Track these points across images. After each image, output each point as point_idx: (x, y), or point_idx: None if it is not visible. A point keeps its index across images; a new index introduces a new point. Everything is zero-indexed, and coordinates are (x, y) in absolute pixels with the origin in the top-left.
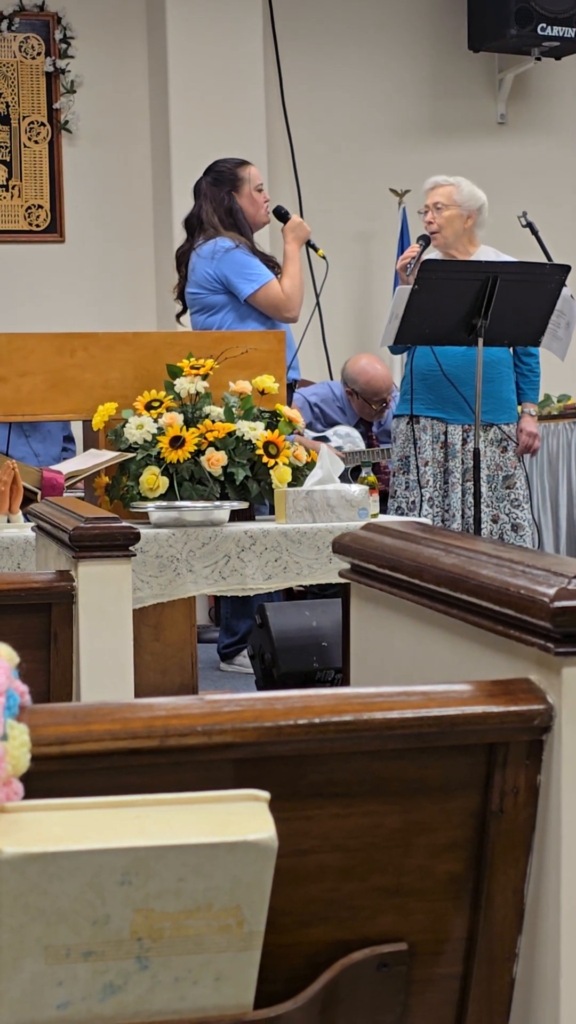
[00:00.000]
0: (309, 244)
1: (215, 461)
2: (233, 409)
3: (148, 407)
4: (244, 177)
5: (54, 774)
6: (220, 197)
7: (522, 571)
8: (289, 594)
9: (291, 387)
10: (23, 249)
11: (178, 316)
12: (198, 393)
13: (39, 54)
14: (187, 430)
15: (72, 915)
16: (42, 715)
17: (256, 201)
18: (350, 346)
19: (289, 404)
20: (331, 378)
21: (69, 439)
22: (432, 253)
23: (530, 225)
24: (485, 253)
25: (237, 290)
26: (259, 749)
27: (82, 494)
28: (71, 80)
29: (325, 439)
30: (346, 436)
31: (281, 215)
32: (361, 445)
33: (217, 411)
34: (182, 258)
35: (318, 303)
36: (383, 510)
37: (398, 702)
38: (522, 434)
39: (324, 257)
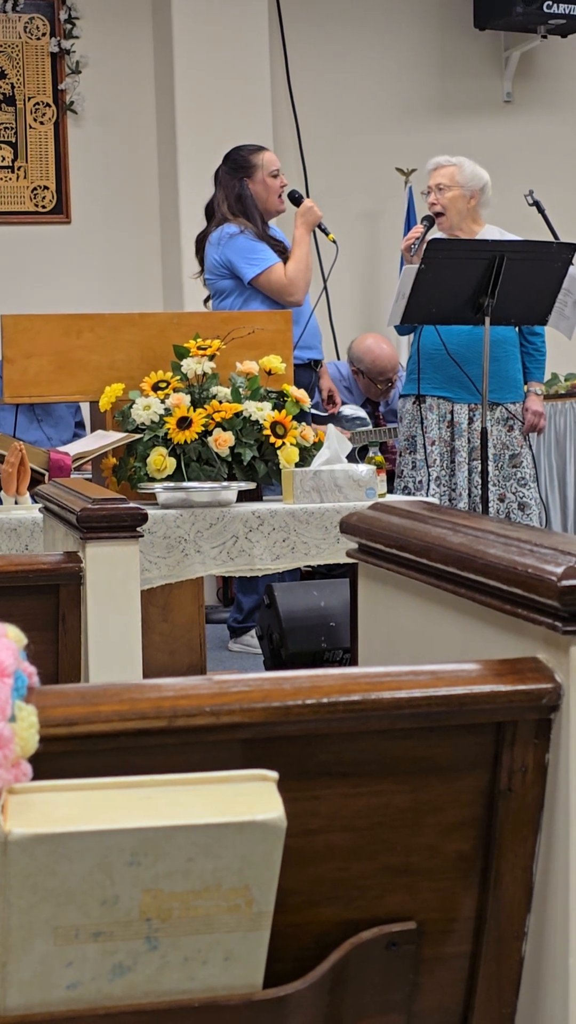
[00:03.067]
0: (320, 228)
1: (222, 442)
2: (240, 389)
3: (155, 388)
4: (257, 164)
5: (63, 755)
6: (232, 184)
7: (530, 550)
8: (301, 574)
9: (309, 366)
10: (29, 230)
11: (205, 301)
12: (205, 374)
13: (44, 35)
14: (194, 411)
15: (81, 896)
16: (50, 696)
17: (270, 187)
18: (356, 325)
19: (308, 384)
20: (338, 358)
21: (80, 425)
22: (436, 233)
23: (537, 203)
24: (489, 232)
25: (241, 274)
26: (267, 729)
27: (89, 475)
28: (76, 61)
29: (335, 418)
30: (352, 416)
31: (295, 199)
32: (368, 424)
33: (224, 391)
34: (200, 244)
35: (325, 287)
36: (389, 490)
37: (406, 682)
38: (528, 413)
39: (335, 241)
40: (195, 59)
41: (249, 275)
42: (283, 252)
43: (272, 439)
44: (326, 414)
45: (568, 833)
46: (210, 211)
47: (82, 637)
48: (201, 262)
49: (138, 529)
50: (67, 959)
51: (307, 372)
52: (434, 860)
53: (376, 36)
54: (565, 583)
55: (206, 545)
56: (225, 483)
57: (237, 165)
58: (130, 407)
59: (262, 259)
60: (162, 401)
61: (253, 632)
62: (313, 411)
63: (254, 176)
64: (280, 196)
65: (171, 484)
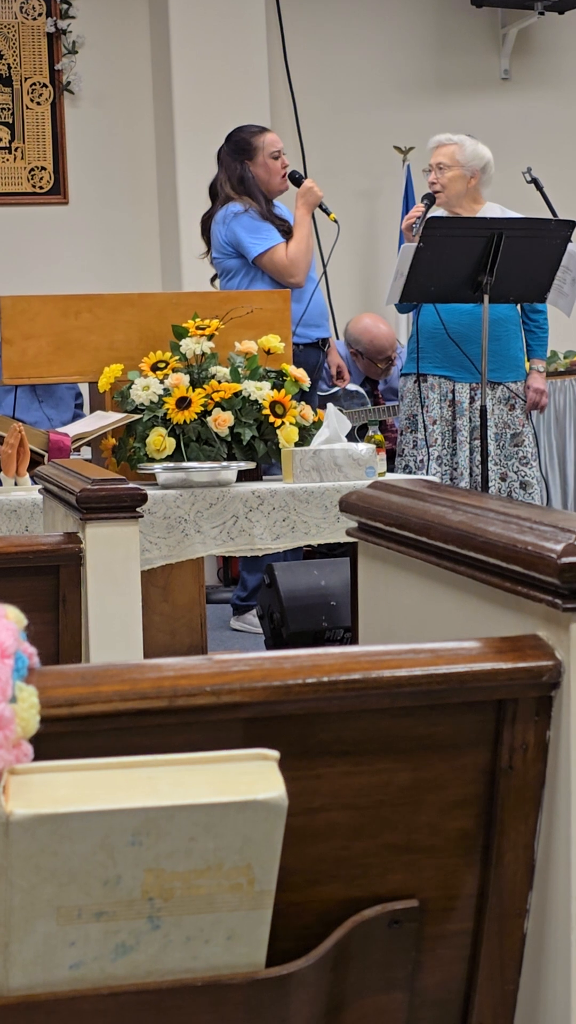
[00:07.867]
0: (321, 208)
1: (222, 421)
2: (239, 369)
3: (154, 368)
4: (258, 145)
5: (63, 736)
6: (233, 166)
7: (529, 527)
8: (301, 553)
9: (316, 345)
10: (27, 211)
11: (212, 280)
12: (204, 354)
13: (40, 15)
14: (193, 391)
15: (83, 876)
16: (51, 677)
17: (271, 168)
18: (355, 304)
19: (316, 364)
20: (336, 337)
21: (80, 406)
22: (437, 211)
23: (535, 181)
24: (491, 210)
25: (246, 251)
26: (268, 708)
27: (89, 456)
28: (72, 41)
29: (335, 397)
30: (351, 394)
31: (295, 179)
32: (367, 403)
33: (223, 371)
34: (205, 224)
35: (324, 269)
36: (390, 469)
37: (407, 660)
38: (530, 391)
39: (336, 221)
40: (192, 38)
41: (254, 252)
42: (289, 232)
43: (271, 419)
44: (336, 390)
45: (569, 810)
46: (214, 191)
47: (82, 618)
48: (208, 243)
49: (138, 509)
50: (70, 939)
51: (315, 351)
52: (436, 838)
53: (373, 14)
54: (565, 560)
55: (206, 525)
56: (225, 463)
57: (238, 147)
58: (129, 387)
59: (266, 238)
60: (161, 381)
61: (254, 611)
62: (320, 394)
63: (255, 158)
64: (282, 177)
65: (171, 464)
